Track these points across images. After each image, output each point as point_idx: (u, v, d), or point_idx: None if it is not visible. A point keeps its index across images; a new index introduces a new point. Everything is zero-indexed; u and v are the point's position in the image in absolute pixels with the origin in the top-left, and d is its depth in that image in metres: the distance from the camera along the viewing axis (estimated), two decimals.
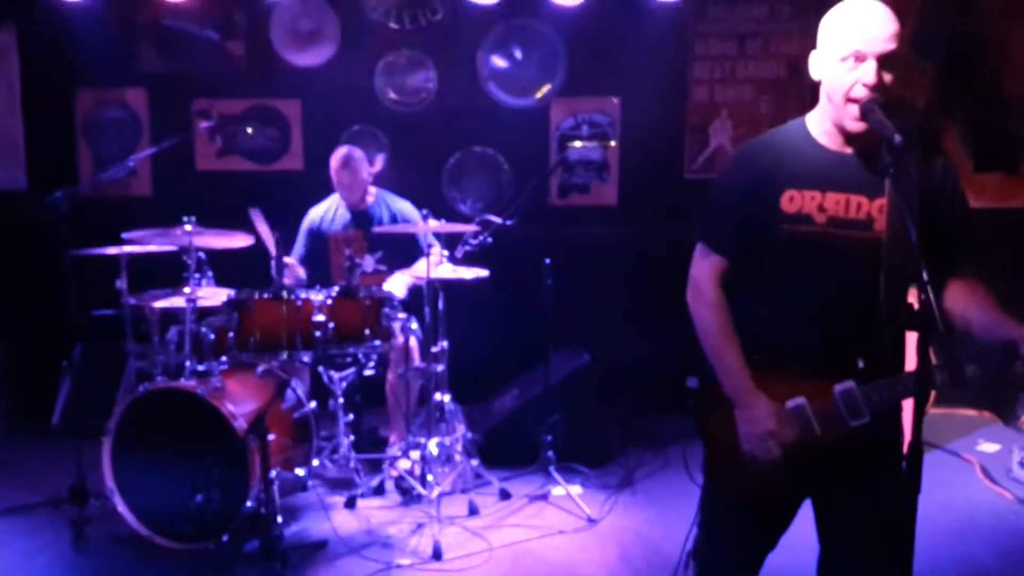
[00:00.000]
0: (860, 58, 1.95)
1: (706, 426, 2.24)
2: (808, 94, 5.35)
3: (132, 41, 5.41)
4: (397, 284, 4.34)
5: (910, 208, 1.82)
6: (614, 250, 5.18)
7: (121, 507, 3.52)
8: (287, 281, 4.32)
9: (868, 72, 1.94)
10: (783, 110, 5.37)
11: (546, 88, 5.40)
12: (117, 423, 3.55)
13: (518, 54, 5.40)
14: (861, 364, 2.02)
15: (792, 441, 2.04)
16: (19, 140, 5.50)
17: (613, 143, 5.27)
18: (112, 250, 4.13)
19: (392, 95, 5.44)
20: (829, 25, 2.03)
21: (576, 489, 4.01)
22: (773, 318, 2.13)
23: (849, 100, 1.97)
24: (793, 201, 2.06)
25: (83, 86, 5.48)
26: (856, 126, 1.97)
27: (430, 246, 3.98)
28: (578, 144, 5.21)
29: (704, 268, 2.18)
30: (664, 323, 4.98)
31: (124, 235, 3.83)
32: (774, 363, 2.09)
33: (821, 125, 2.09)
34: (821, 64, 2.04)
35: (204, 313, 3.91)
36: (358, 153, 4.55)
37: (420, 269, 4.21)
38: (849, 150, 2.06)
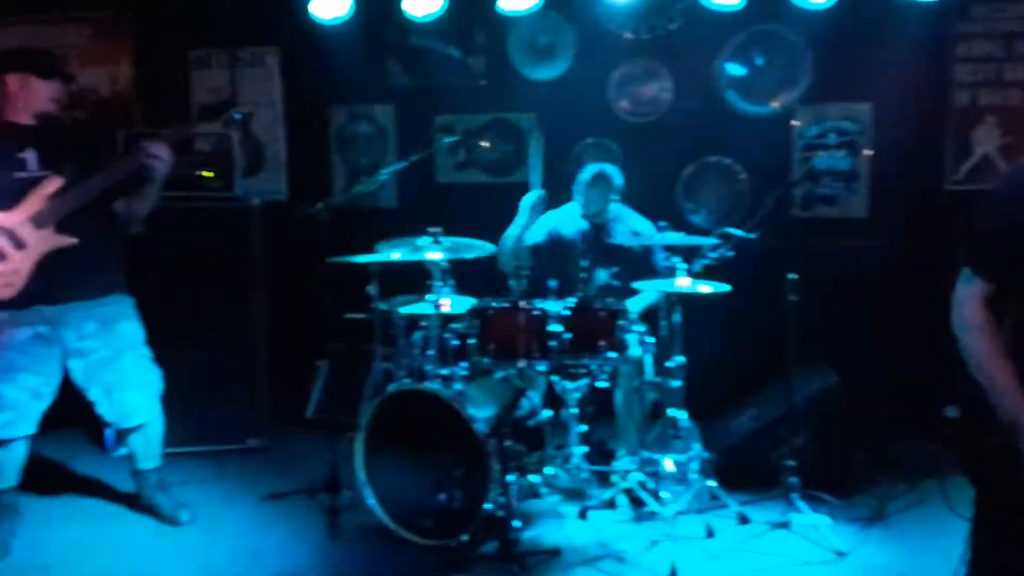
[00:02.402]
0: None
1: (974, 464, 2.08)
2: None
3: (381, 59, 5.74)
4: (634, 302, 4.30)
5: None
6: (864, 265, 4.86)
7: (371, 500, 3.72)
8: None
9: None
10: None
11: (789, 95, 5.20)
12: (368, 421, 3.75)
13: (759, 60, 5.22)
14: None
15: None
16: (281, 154, 5.98)
17: (868, 152, 4.96)
18: (364, 258, 4.39)
19: (626, 105, 5.43)
20: None
21: (822, 519, 3.79)
22: None
23: None
24: None
25: (337, 102, 5.88)
26: None
27: (667, 259, 3.90)
28: (822, 154, 4.97)
29: (969, 292, 2.06)
30: (919, 344, 4.67)
31: (379, 246, 4.03)
32: None
33: None
34: None
35: (447, 319, 4.06)
36: (611, 171, 4.55)
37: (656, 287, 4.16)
38: None
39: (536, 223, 4.65)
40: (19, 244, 3.47)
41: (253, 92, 5.91)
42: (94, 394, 3.73)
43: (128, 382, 3.76)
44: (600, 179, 4.45)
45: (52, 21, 5.73)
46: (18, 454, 3.67)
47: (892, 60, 4.94)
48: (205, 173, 4.99)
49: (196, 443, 4.80)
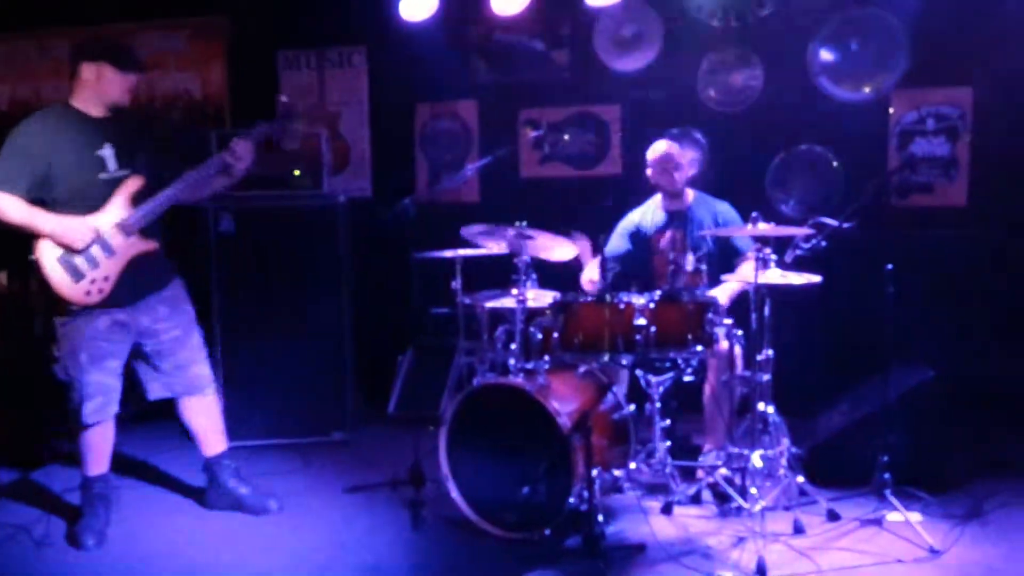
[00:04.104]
0: None
1: None
2: None
3: (465, 56, 5.78)
4: (720, 292, 4.24)
5: None
6: (962, 256, 4.68)
7: (454, 493, 3.73)
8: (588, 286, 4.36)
9: None
10: None
11: (884, 80, 5.01)
12: (453, 414, 3.77)
13: (854, 45, 5.05)
14: None
15: None
16: (366, 152, 6.08)
17: (968, 138, 4.75)
18: (448, 253, 4.42)
19: (713, 95, 5.33)
20: None
21: (915, 516, 3.65)
22: None
23: None
24: None
25: (422, 100, 5.94)
26: None
27: (759, 250, 3.81)
28: (920, 140, 4.78)
29: None
30: (1020, 337, 4.46)
31: (463, 230, 4.04)
32: None
33: None
34: None
35: (531, 313, 4.05)
36: (675, 147, 4.53)
37: (744, 274, 4.06)
38: None
39: (619, 228, 4.62)
40: (109, 251, 3.59)
41: (340, 92, 6.04)
42: (164, 368, 3.83)
43: (196, 357, 3.90)
44: (667, 156, 4.47)
45: (148, 27, 5.95)
46: (110, 434, 3.82)
47: (993, 42, 4.72)
48: (295, 172, 5.11)
49: (282, 435, 4.91)
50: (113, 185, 3.60)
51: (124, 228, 3.58)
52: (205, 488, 4.10)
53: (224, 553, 3.62)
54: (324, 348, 5.00)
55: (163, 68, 6.12)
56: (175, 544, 3.73)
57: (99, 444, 3.79)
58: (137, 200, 3.61)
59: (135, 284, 3.66)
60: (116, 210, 3.58)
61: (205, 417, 3.99)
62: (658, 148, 4.53)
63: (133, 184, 3.61)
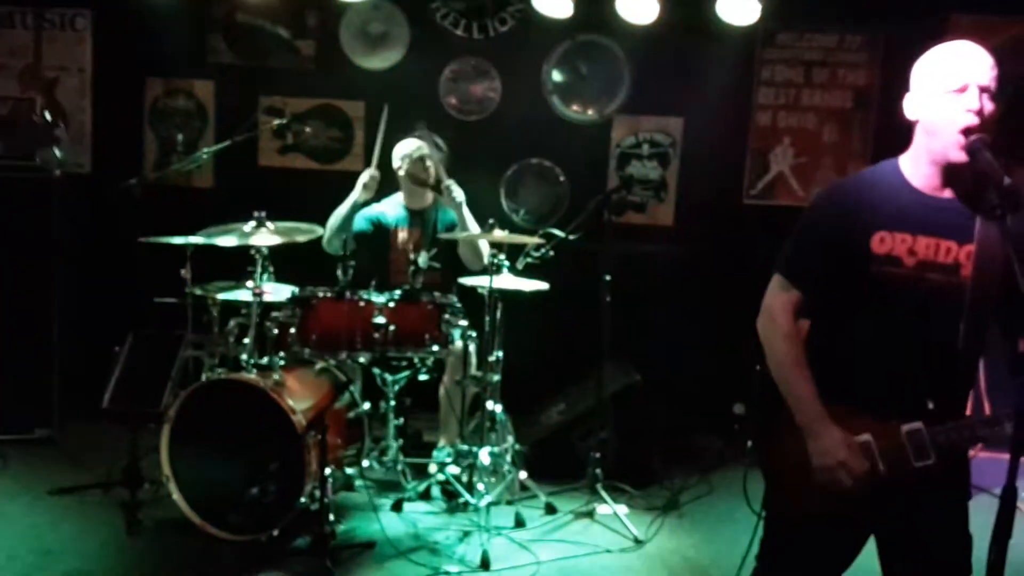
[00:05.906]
0: (962, 88, 1.96)
1: (768, 458, 2.27)
2: (873, 127, 5.36)
3: (204, 33, 5.51)
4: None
5: (1019, 252, 1.82)
6: (669, 270, 5.19)
7: (175, 494, 3.55)
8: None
9: (971, 98, 1.95)
10: (846, 141, 5.37)
11: (608, 105, 5.43)
12: (177, 411, 3.59)
13: (584, 69, 5.43)
14: (931, 406, 2.04)
15: (864, 473, 2.03)
16: (87, 123, 5.60)
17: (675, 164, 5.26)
18: (179, 239, 4.18)
19: (454, 102, 5.49)
20: (927, 65, 2.05)
21: (622, 508, 4.01)
22: (849, 354, 2.14)
23: (956, 132, 1.96)
24: (884, 243, 2.06)
25: (153, 74, 5.58)
26: (959, 156, 1.97)
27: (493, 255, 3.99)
28: (635, 163, 5.22)
29: (781, 300, 2.19)
30: (714, 347, 5.02)
31: (200, 232, 3.87)
32: (845, 398, 2.10)
33: (915, 167, 2.09)
34: (919, 103, 2.05)
35: (267, 308, 3.95)
36: (429, 149, 4.62)
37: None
38: (941, 194, 2.06)
39: (363, 212, 4.61)
40: None
41: (60, 56, 5.52)
42: None
43: None
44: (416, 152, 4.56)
45: None
46: None
47: (704, 79, 5.27)
48: None
49: None
50: None
51: None
52: None
53: None
54: (29, 336, 4.57)
55: None
56: None
57: None
58: None
59: None
60: None
61: None
62: (412, 142, 4.60)
63: None
